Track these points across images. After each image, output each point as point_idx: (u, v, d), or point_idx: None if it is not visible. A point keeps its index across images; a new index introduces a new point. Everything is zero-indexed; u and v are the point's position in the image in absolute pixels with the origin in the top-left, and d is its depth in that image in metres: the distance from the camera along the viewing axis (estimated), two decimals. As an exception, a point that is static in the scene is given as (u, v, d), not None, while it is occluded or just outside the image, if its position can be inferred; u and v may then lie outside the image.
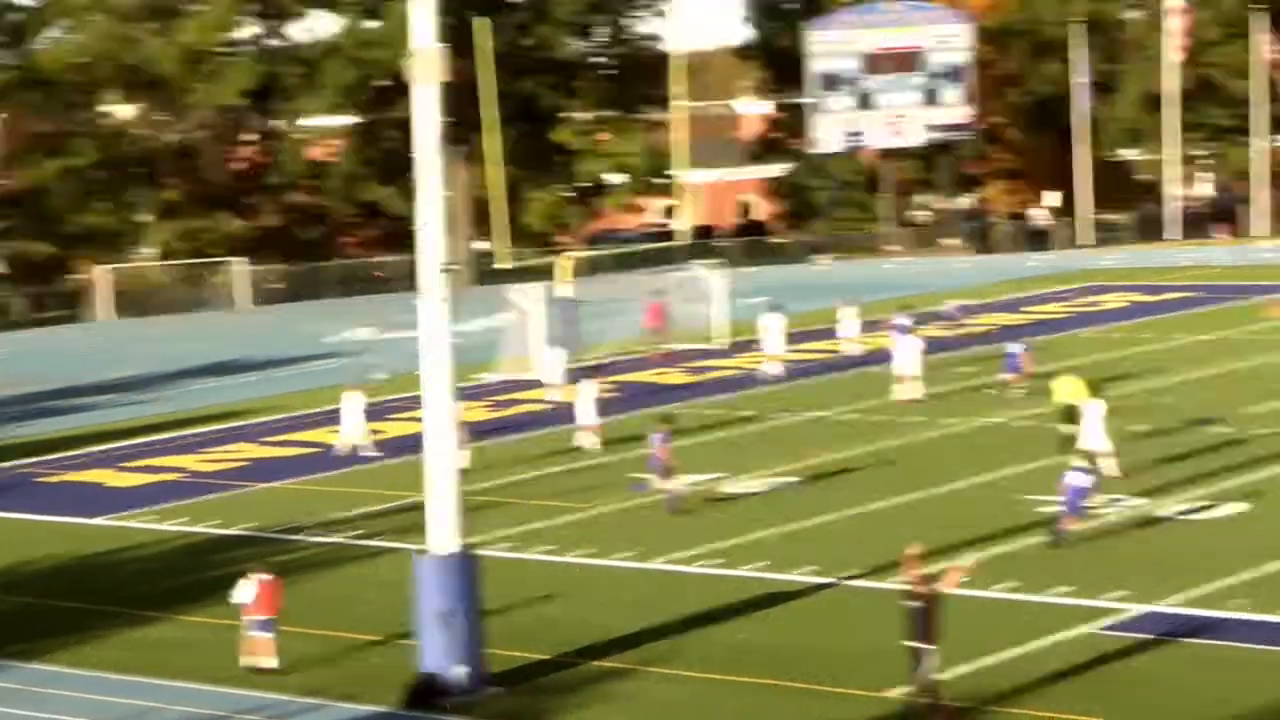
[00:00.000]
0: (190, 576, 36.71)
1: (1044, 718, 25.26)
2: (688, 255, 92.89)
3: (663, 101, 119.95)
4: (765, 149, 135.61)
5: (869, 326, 62.94)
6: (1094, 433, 39.29)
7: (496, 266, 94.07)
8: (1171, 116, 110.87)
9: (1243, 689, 26.06)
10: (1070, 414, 42.61)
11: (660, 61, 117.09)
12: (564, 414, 51.03)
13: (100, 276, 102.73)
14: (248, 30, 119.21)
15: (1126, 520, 36.17)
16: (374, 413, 49.83)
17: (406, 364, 59.45)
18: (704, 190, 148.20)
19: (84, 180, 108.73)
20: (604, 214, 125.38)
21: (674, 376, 60.18)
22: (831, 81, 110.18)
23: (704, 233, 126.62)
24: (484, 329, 64.68)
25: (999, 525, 36.06)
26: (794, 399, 53.93)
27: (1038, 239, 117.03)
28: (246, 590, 29.66)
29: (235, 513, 42.53)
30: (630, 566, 35.35)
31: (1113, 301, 74.45)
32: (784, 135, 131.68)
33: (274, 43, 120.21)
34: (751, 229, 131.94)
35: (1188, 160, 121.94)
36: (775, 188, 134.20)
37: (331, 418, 50.72)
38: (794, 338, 61.19)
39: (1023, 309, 72.64)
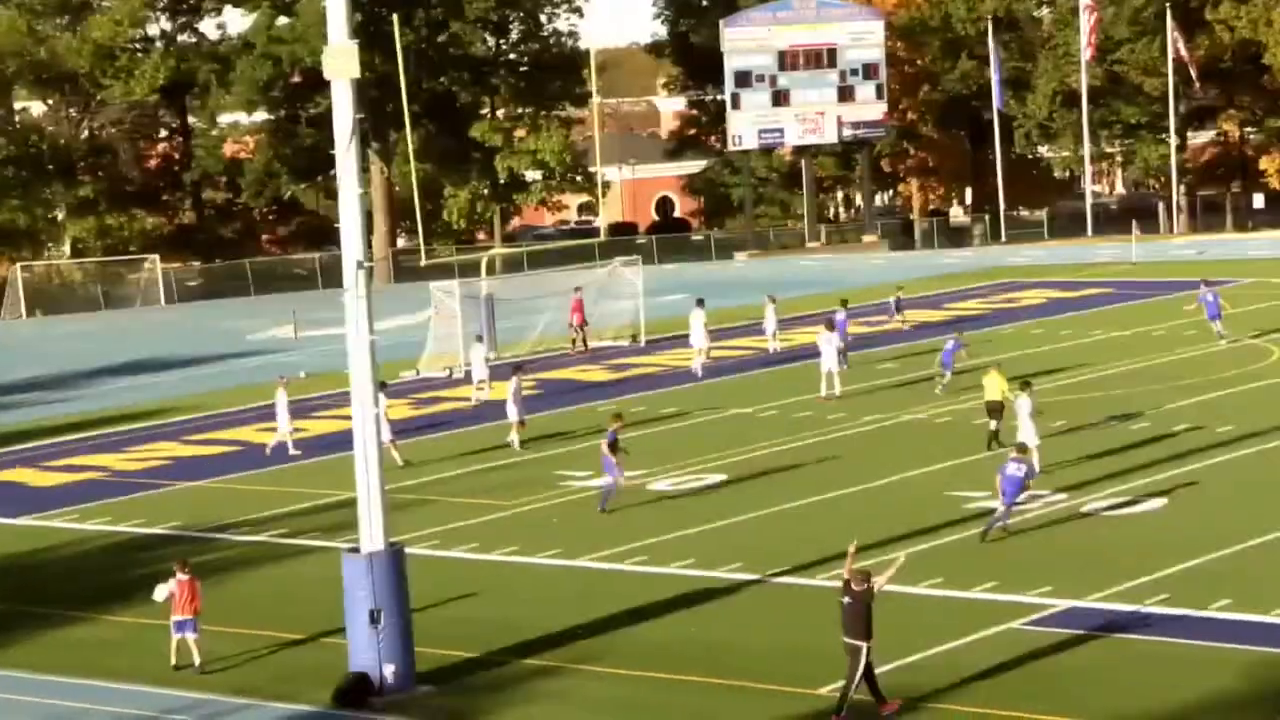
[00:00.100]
0: (115, 576, 36.55)
1: (969, 713, 25.48)
2: (607, 252, 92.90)
3: (580, 98, 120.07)
4: (683, 146, 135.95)
5: (789, 324, 63.20)
6: (1024, 427, 39.58)
7: (416, 263, 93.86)
8: (1084, 114, 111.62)
9: (1164, 683, 26.35)
10: (996, 409, 42.94)
11: (577, 58, 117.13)
12: (486, 411, 51.09)
13: (14, 274, 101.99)
14: (159, 26, 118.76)
15: (1049, 516, 36.46)
16: (295, 411, 49.59)
17: (325, 362, 59.46)
18: (622, 187, 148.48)
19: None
20: (522, 211, 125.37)
21: (595, 374, 60.25)
22: (747, 78, 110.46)
23: (623, 229, 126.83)
24: (404, 326, 64.63)
25: (923, 521, 36.26)
26: (717, 396, 54.06)
27: (955, 236, 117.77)
28: (165, 589, 29.56)
29: (158, 512, 42.34)
30: (556, 564, 35.41)
31: (1031, 298, 74.93)
32: (701, 132, 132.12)
33: (186, 39, 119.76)
34: (671, 226, 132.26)
35: (1101, 157, 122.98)
36: (693, 184, 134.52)
37: (255, 415, 50.53)
38: (715, 335, 61.30)
39: (944, 306, 73.01)
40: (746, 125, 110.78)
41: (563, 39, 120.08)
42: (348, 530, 28.57)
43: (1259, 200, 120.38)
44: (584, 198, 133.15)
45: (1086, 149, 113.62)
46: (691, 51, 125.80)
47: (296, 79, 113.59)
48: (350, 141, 27.72)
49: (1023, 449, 36.12)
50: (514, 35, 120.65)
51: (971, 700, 25.91)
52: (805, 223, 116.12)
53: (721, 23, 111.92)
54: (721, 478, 42.20)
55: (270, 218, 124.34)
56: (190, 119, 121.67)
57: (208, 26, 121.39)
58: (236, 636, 30.65)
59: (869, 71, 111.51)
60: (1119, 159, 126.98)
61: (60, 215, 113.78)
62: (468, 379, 57.07)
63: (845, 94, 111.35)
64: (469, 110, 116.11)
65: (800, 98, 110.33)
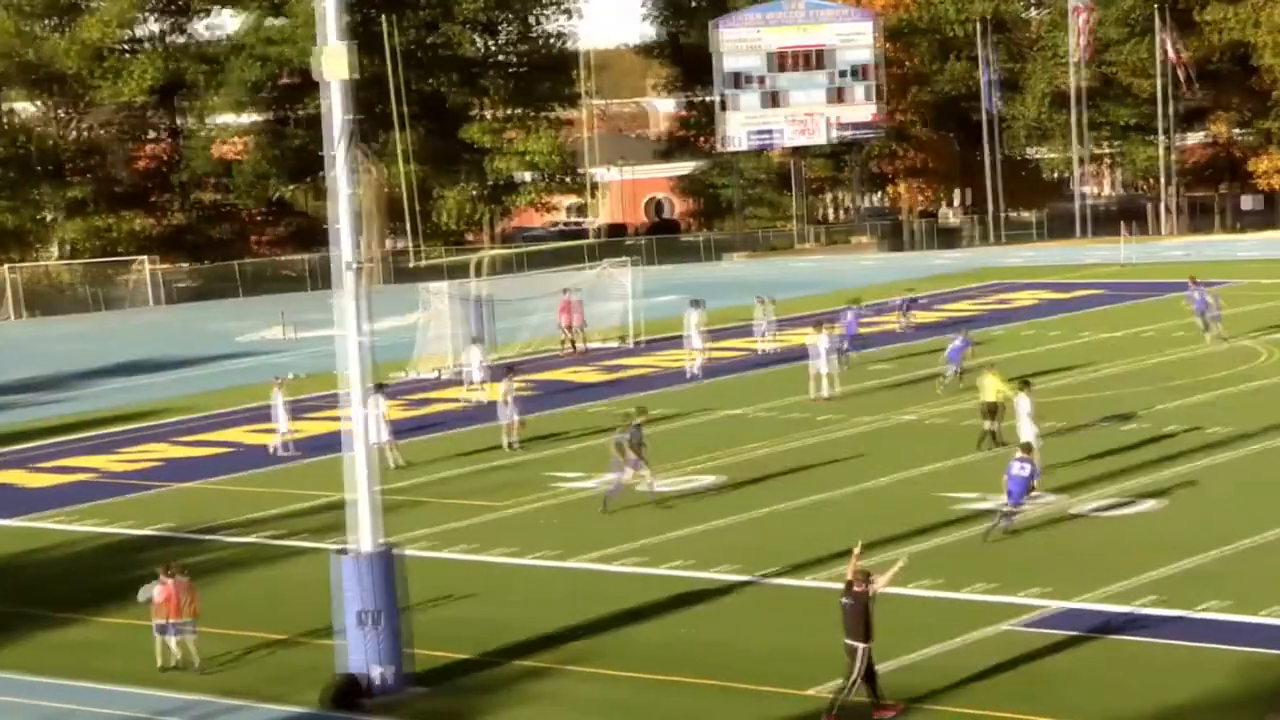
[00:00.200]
0: (106, 578, 36.44)
1: (964, 714, 25.44)
2: (599, 253, 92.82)
3: (572, 99, 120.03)
4: (675, 147, 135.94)
5: (784, 325, 63.19)
6: (1024, 427, 39.56)
7: (409, 265, 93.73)
8: (1073, 116, 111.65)
9: (1157, 684, 26.31)
10: (991, 410, 42.88)
11: (567, 59, 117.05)
12: (481, 412, 51.03)
13: (6, 275, 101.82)
14: (149, 27, 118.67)
15: (1044, 517, 36.43)
16: (288, 412, 49.47)
17: (318, 363, 59.37)
18: (615, 188, 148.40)
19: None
20: (515, 212, 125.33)
21: (588, 375, 60.19)
22: (739, 79, 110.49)
23: (615, 230, 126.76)
24: (395, 327, 64.53)
25: (917, 522, 36.23)
26: (711, 397, 54.00)
27: (947, 237, 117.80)
28: (151, 590, 29.47)
29: (150, 513, 42.27)
30: (551, 565, 35.35)
31: (1023, 299, 74.94)
32: (693, 133, 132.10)
33: (178, 39, 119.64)
34: (663, 227, 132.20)
35: (1093, 159, 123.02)
36: (686, 186, 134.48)
37: (246, 417, 50.43)
38: (709, 335, 61.24)
39: (936, 307, 72.98)
40: (738, 126, 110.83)
41: (552, 41, 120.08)
42: (339, 532, 28.45)
43: (1248, 202, 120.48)
44: (576, 199, 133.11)
45: (1074, 151, 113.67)
46: (683, 53, 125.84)
47: (287, 80, 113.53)
48: (341, 142, 27.65)
49: (1028, 448, 36.04)
50: (504, 37, 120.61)
51: (965, 701, 25.85)
52: (796, 224, 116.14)
53: (712, 24, 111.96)
54: (715, 479, 42.14)
55: (260, 219, 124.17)
56: (180, 120, 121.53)
57: (198, 27, 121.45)
58: (227, 638, 30.55)
59: (860, 73, 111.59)
60: (1109, 160, 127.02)
61: (50, 216, 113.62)
62: (458, 380, 57.00)
63: (837, 95, 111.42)
64: (459, 112, 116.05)
65: (792, 99, 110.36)
